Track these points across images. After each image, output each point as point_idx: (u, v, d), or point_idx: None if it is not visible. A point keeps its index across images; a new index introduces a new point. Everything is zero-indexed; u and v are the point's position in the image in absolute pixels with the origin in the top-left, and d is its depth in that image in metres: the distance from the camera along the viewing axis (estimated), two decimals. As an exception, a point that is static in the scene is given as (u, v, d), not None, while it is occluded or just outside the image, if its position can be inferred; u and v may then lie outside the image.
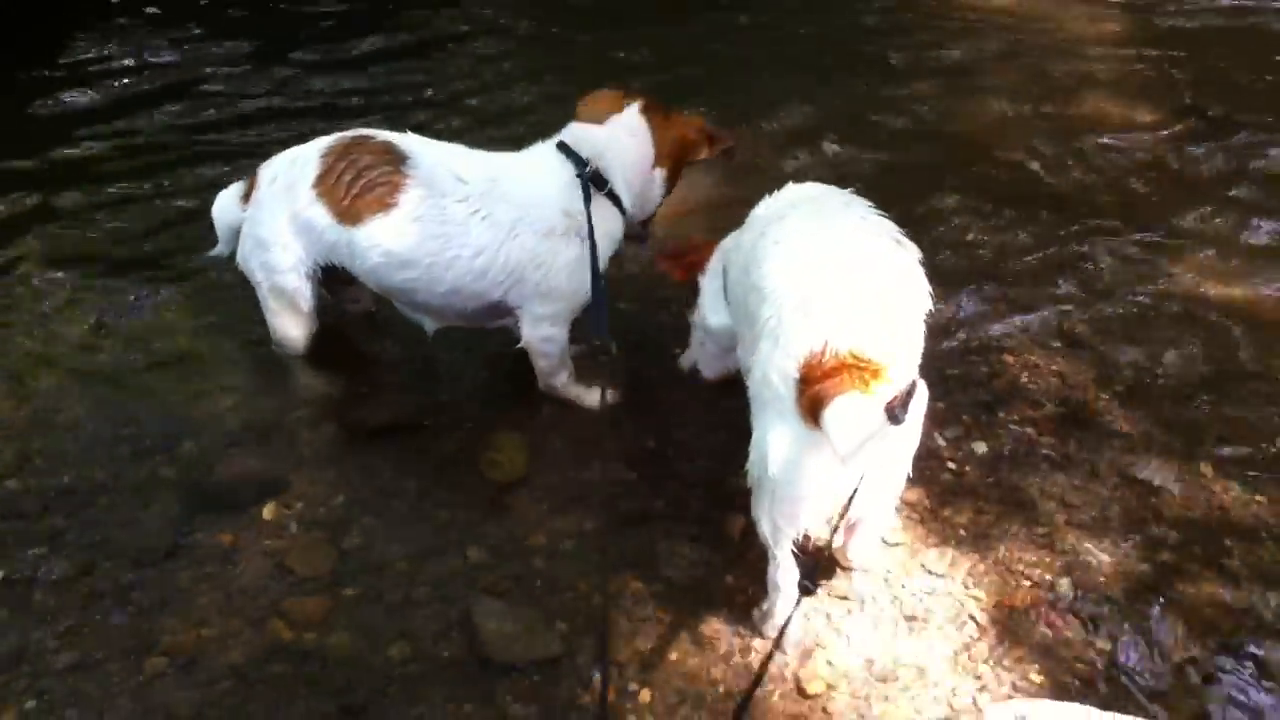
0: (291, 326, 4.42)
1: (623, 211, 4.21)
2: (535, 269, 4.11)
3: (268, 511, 4.07)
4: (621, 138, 4.19)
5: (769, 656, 3.13)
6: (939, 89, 7.24)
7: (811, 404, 2.94)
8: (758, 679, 3.09)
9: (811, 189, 3.86)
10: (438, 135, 4.53)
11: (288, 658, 3.57)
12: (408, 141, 4.17)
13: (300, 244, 4.19)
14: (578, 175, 4.07)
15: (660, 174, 4.30)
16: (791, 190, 3.86)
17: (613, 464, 4.29)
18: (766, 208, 3.83)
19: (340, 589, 3.79)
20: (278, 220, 4.17)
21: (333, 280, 4.42)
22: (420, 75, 7.43)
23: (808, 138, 6.52)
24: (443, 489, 4.18)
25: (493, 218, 4.06)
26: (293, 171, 4.16)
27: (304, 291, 4.31)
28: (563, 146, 4.15)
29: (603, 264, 4.09)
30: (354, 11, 8.43)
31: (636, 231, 4.46)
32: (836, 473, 3.02)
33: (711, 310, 4.08)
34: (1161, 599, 3.76)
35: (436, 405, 4.58)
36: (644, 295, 5.06)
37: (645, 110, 4.24)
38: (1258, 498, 4.15)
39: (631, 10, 8.40)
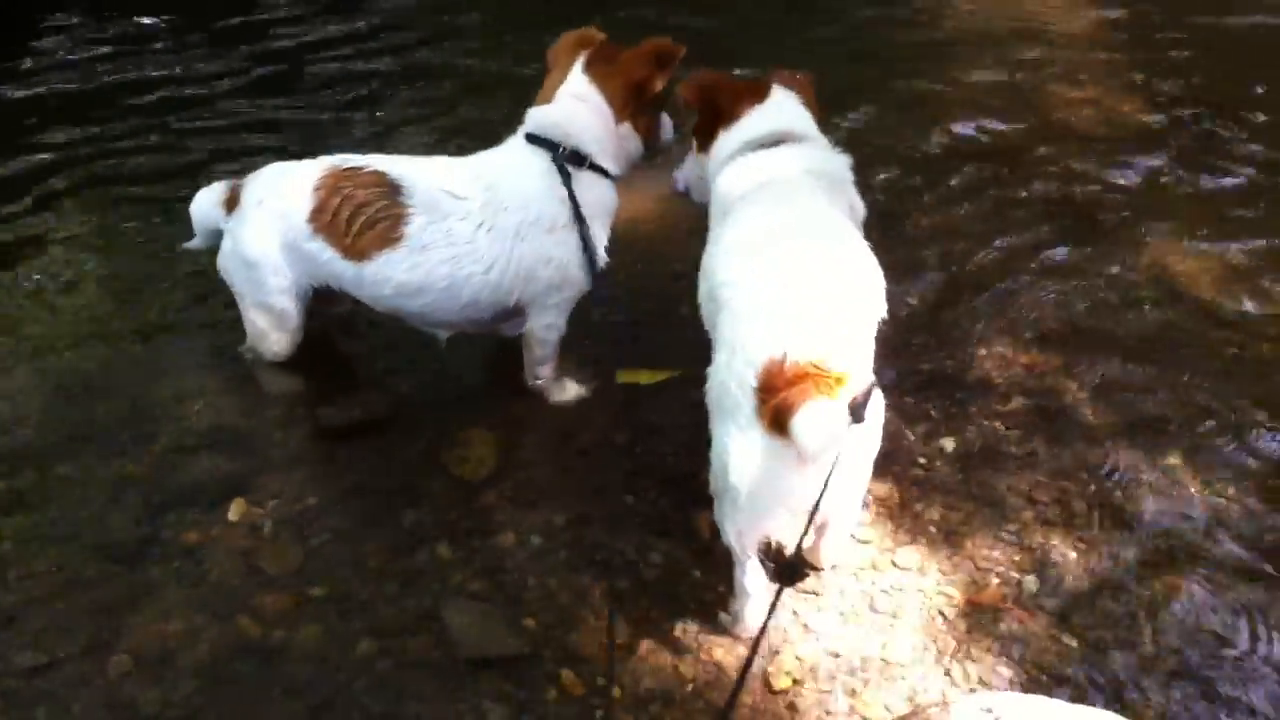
0: (275, 340, 4.37)
1: (612, 178, 4.21)
2: (546, 265, 4.11)
3: (235, 509, 4.04)
4: (577, 110, 4.11)
5: (748, 663, 3.12)
6: (915, 76, 7.25)
7: (776, 412, 2.94)
8: (739, 685, 3.07)
9: (790, 163, 3.77)
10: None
11: (255, 656, 3.55)
12: (395, 167, 4.10)
13: (295, 270, 4.16)
14: (553, 161, 4.05)
15: (626, 128, 4.20)
16: (775, 158, 3.80)
17: (582, 460, 4.30)
18: (748, 169, 3.79)
19: (308, 586, 3.78)
20: (268, 245, 4.11)
21: (321, 295, 4.37)
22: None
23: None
24: (411, 486, 4.17)
25: (498, 228, 4.04)
26: (283, 201, 4.09)
27: (293, 310, 4.28)
28: (531, 138, 4.12)
29: (604, 241, 4.16)
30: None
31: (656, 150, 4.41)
32: (798, 480, 3.04)
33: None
34: (1129, 594, 3.78)
35: (405, 403, 4.56)
36: (618, 292, 5.04)
37: (589, 67, 4.12)
38: (1226, 491, 4.17)
39: None
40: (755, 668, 3.52)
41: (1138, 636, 3.63)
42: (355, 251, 4.05)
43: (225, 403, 4.52)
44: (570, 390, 4.53)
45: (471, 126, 6.46)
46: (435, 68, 7.38)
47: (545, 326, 4.30)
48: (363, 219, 4.02)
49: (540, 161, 4.08)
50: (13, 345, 4.83)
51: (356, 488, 4.17)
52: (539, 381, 4.49)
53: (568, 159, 4.05)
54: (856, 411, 2.92)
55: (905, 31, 8.03)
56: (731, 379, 3.14)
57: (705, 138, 4.06)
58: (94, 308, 5.06)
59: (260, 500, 4.10)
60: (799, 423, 2.86)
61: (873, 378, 3.13)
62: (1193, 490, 4.17)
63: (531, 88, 4.29)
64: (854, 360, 3.06)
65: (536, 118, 4.15)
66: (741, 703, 3.42)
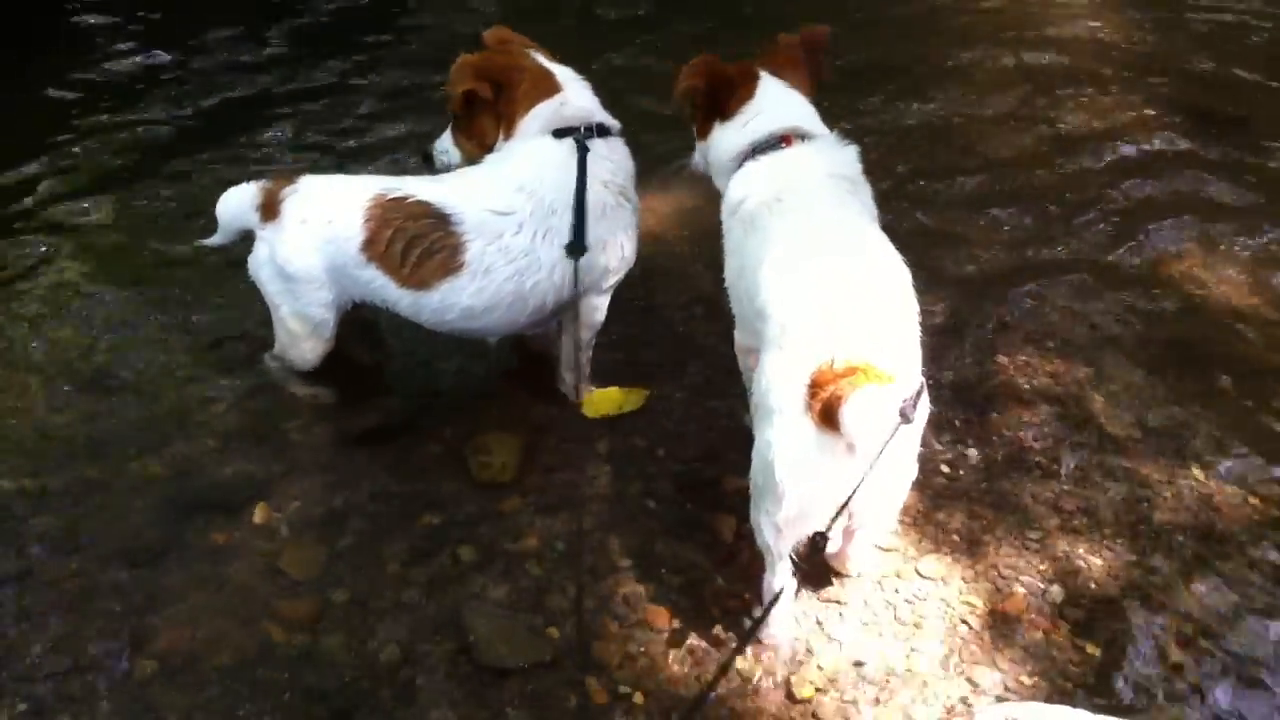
0: (309, 350, 4.33)
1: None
2: (603, 252, 4.14)
3: (259, 513, 4.06)
4: (577, 88, 4.23)
5: (738, 649, 3.10)
6: (928, 88, 7.23)
7: (827, 405, 2.91)
8: (721, 671, 3.05)
9: (807, 167, 3.71)
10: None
11: (278, 660, 3.56)
12: (437, 194, 4.06)
13: (340, 287, 4.14)
14: (576, 140, 4.07)
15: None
16: (789, 162, 3.74)
17: (604, 465, 4.30)
18: (762, 176, 3.72)
19: (331, 591, 3.79)
20: (313, 263, 4.07)
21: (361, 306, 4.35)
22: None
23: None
24: (434, 491, 4.18)
25: (553, 230, 4.05)
26: (331, 228, 4.04)
27: (331, 322, 4.25)
28: (558, 132, 4.11)
29: (633, 200, 4.23)
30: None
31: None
32: (846, 476, 3.02)
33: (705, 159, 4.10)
34: (1153, 603, 3.77)
35: (428, 407, 4.58)
36: (634, 299, 5.04)
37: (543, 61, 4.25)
38: (1251, 500, 4.16)
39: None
40: (778, 676, 3.52)
41: (1163, 647, 3.62)
42: (415, 282, 4.04)
43: (248, 406, 4.53)
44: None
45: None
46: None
47: (593, 309, 4.32)
48: (419, 250, 4.00)
49: (563, 149, 4.09)
50: (38, 346, 4.85)
51: (379, 492, 4.18)
52: (571, 380, 4.50)
53: (596, 130, 4.12)
54: (906, 413, 2.91)
55: (920, 35, 8.01)
56: (781, 377, 3.13)
57: (705, 124, 4.01)
58: (119, 309, 5.07)
59: (283, 504, 4.11)
60: (850, 408, 2.83)
61: (922, 380, 3.12)
62: (1218, 500, 4.15)
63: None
64: (903, 363, 3.05)
65: (545, 113, 4.15)
66: (765, 711, 3.42)
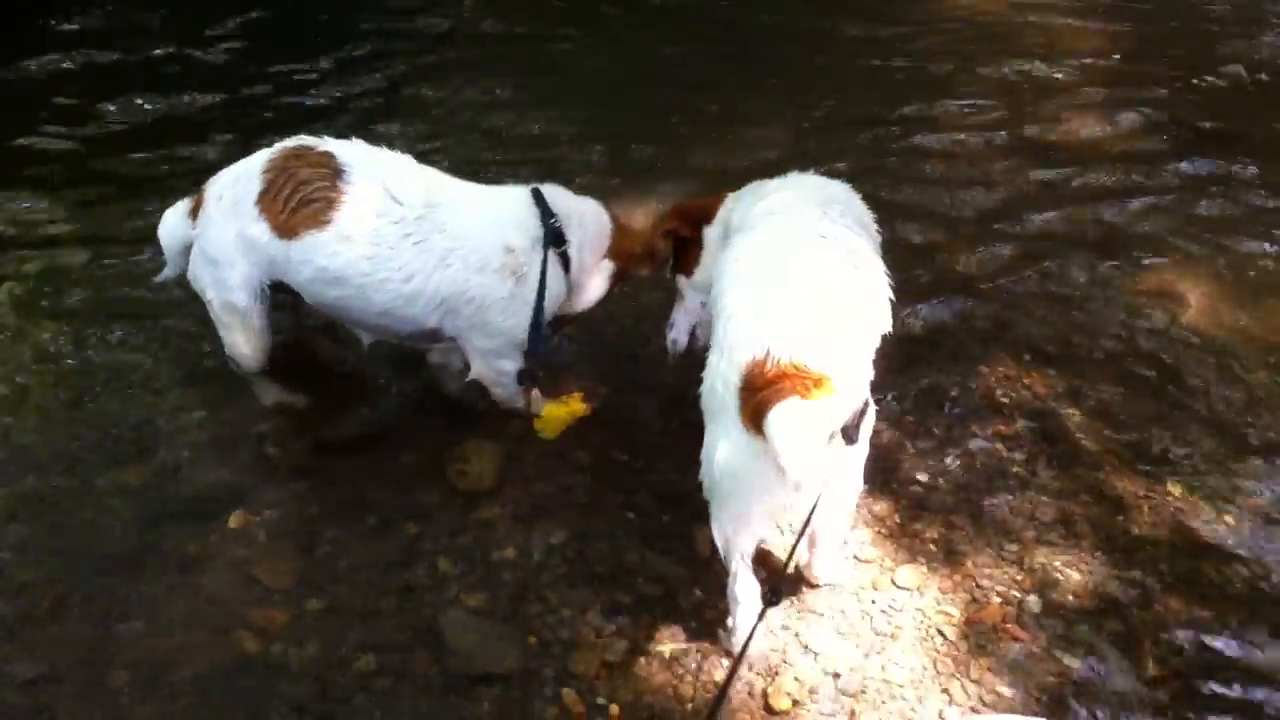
0: (243, 343, 4.28)
1: (567, 271, 4.19)
2: (467, 303, 4.05)
3: (235, 521, 4.04)
4: (591, 214, 4.26)
5: (731, 675, 3.12)
6: (913, 100, 7.25)
7: (754, 411, 2.97)
8: (720, 698, 3.08)
9: (799, 191, 3.84)
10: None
11: (254, 670, 3.55)
12: (350, 152, 4.06)
13: (246, 261, 4.07)
14: (544, 222, 4.06)
15: (608, 266, 4.33)
16: (786, 185, 3.88)
17: (582, 476, 4.29)
18: (755, 198, 3.84)
19: (307, 600, 3.77)
20: (226, 237, 4.05)
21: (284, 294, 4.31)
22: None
23: (786, 152, 6.50)
24: (411, 500, 4.16)
25: (426, 243, 3.98)
26: (237, 188, 4.05)
27: (254, 308, 4.18)
28: (536, 193, 4.13)
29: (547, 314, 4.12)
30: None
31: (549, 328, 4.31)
32: (777, 481, 3.02)
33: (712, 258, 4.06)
34: (1129, 616, 3.78)
35: (406, 415, 4.56)
36: (620, 308, 5.03)
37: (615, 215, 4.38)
38: (1225, 517, 4.17)
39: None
40: (755, 688, 3.52)
41: (1139, 659, 3.63)
42: (286, 229, 3.97)
43: (225, 415, 4.50)
44: (535, 406, 4.50)
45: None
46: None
47: (493, 371, 4.28)
48: (299, 196, 3.95)
49: (520, 210, 4.11)
50: (13, 354, 4.81)
51: (355, 500, 4.16)
52: (508, 403, 4.46)
53: (554, 232, 4.08)
54: (849, 433, 2.98)
55: (903, 50, 8.03)
56: (719, 379, 3.18)
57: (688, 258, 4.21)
58: (94, 318, 5.02)
59: (259, 512, 4.09)
60: (772, 421, 2.87)
61: (867, 397, 3.16)
62: (1194, 515, 4.17)
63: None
64: (838, 363, 3.05)
65: (552, 191, 4.21)
66: (742, 722, 3.43)
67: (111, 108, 6.85)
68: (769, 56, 7.81)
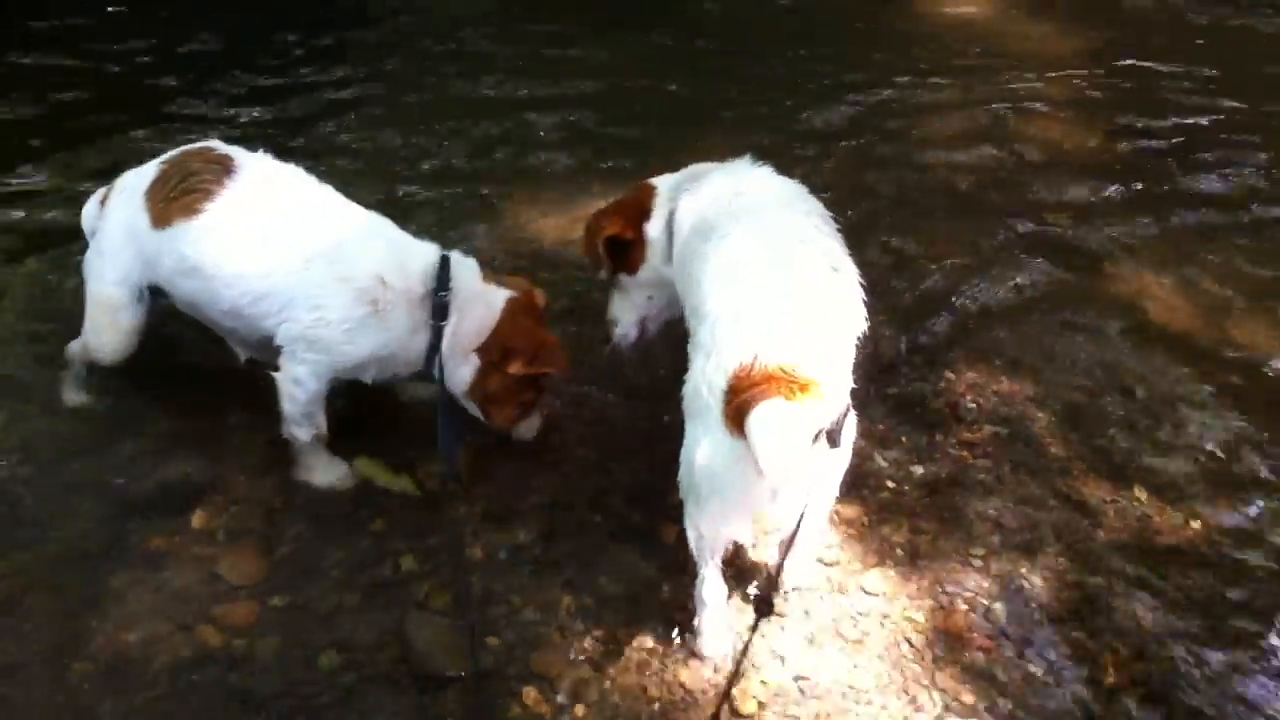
0: (108, 343, 4.19)
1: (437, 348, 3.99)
2: (312, 309, 3.84)
3: (199, 517, 4.01)
4: (482, 309, 3.99)
5: (728, 689, 3.10)
6: (890, 108, 7.28)
7: (737, 412, 2.95)
8: (720, 707, 3.07)
9: (763, 189, 3.78)
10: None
11: (216, 665, 3.51)
12: (251, 160, 3.99)
13: (128, 253, 4.02)
14: (436, 295, 3.90)
15: (475, 361, 4.00)
16: (743, 182, 3.78)
17: (551, 476, 4.28)
18: (715, 198, 3.74)
19: (271, 597, 3.74)
20: (117, 229, 4.02)
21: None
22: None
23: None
24: (377, 498, 4.14)
25: (294, 246, 3.85)
26: (136, 180, 4.01)
27: (128, 309, 4.11)
28: (444, 261, 3.98)
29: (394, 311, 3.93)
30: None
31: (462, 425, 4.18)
32: (757, 482, 3.03)
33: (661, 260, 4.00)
34: (1095, 623, 3.80)
35: (373, 415, 4.52)
36: (582, 309, 5.04)
37: (515, 300, 4.04)
38: (1191, 523, 4.21)
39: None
40: (722, 690, 3.51)
41: (1102, 666, 3.64)
42: (160, 218, 3.90)
43: (191, 410, 4.46)
44: (322, 473, 4.19)
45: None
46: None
47: (292, 379, 3.97)
48: (181, 187, 3.88)
49: (416, 257, 3.97)
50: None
51: (321, 498, 4.13)
52: (294, 445, 4.15)
53: (439, 304, 3.92)
54: (832, 436, 2.99)
55: (885, 61, 8.06)
56: (703, 382, 3.16)
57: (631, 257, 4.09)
58: (58, 309, 4.95)
59: (224, 508, 4.06)
60: (753, 421, 2.87)
61: (849, 401, 3.15)
62: (1159, 522, 4.20)
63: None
64: (826, 369, 3.05)
65: (462, 268, 4.02)
66: (708, 727, 3.43)
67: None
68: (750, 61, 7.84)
